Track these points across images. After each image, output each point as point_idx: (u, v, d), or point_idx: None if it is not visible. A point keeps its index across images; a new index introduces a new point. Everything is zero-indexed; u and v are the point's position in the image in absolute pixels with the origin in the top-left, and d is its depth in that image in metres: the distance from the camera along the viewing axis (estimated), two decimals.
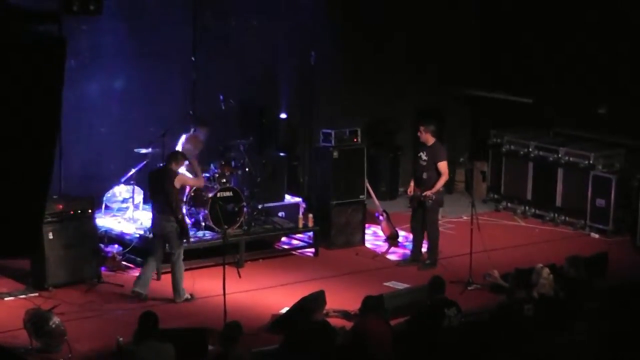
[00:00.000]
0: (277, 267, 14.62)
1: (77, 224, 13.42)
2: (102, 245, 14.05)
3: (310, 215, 15.35)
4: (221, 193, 14.40)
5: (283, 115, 17.26)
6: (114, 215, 14.97)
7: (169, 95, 15.94)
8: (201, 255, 14.13)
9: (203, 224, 14.47)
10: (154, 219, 13.19)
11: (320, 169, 15.93)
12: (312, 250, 15.33)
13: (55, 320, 11.25)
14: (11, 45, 5.81)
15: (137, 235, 14.20)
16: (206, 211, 14.31)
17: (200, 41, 16.06)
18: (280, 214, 15.66)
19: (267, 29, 16.85)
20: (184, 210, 14.58)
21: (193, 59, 16.00)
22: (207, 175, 14.70)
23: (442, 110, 18.66)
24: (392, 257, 15.32)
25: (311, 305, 12.22)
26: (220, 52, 16.41)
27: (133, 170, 14.58)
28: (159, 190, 13.03)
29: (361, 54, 18.06)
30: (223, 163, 14.77)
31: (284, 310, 12.38)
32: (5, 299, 12.92)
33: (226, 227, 13.51)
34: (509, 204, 17.94)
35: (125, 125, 15.55)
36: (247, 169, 15.03)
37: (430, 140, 14.57)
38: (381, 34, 18.22)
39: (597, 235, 16.51)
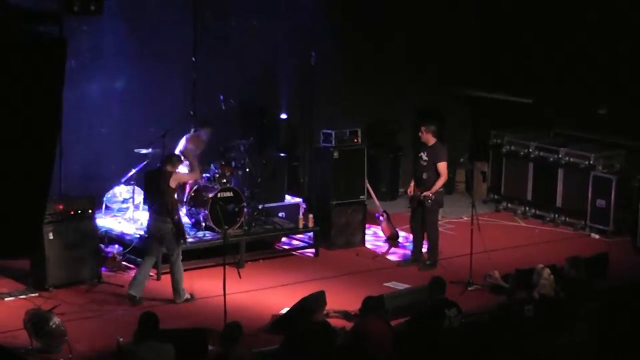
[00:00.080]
0: (278, 268, 14.62)
1: (77, 224, 13.41)
2: (102, 246, 14.05)
3: (311, 216, 15.35)
4: (221, 193, 14.40)
5: (283, 116, 17.26)
6: (114, 216, 14.97)
7: (169, 96, 15.94)
8: (201, 256, 14.13)
9: (203, 224, 14.47)
10: (150, 220, 13.16)
11: (321, 170, 15.92)
12: (313, 250, 15.33)
13: (56, 320, 11.25)
14: (11, 45, 5.80)
15: (138, 236, 14.18)
16: (206, 211, 14.31)
17: (200, 41, 16.05)
18: (280, 214, 15.66)
19: (267, 29, 16.84)
20: (184, 211, 14.61)
21: (194, 59, 15.99)
22: (208, 175, 14.71)
23: (442, 110, 18.66)
24: (392, 257, 15.32)
25: (311, 305, 12.21)
26: (220, 52, 16.40)
27: (133, 171, 14.58)
28: (154, 191, 13.01)
29: (361, 54, 18.06)
30: (223, 163, 14.77)
31: (284, 311, 12.38)
32: (6, 299, 12.92)
33: (226, 227, 13.50)
34: (509, 205, 17.93)
35: (126, 126, 15.56)
36: (247, 170, 15.02)
37: (431, 140, 14.57)
38: (381, 34, 18.22)
39: (597, 236, 16.50)
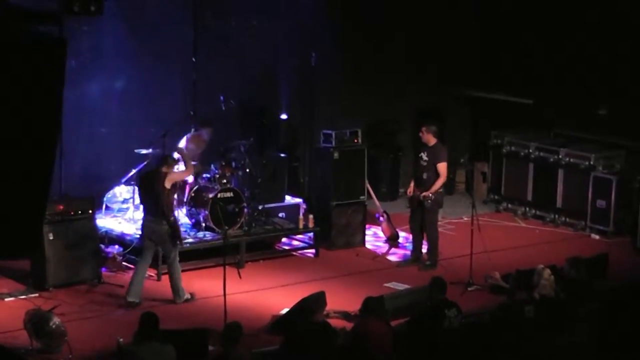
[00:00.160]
0: (278, 268, 14.61)
1: (77, 225, 13.41)
2: (102, 246, 14.04)
3: (311, 216, 15.35)
4: (222, 194, 14.40)
5: (284, 116, 17.25)
6: (115, 216, 14.97)
7: (169, 96, 15.93)
8: (202, 256, 14.13)
9: (203, 224, 14.46)
10: (144, 222, 13.10)
11: (321, 170, 15.92)
12: (313, 251, 15.33)
13: (56, 320, 11.25)
14: (11, 45, 5.80)
15: (138, 236, 14.16)
16: (207, 212, 14.30)
17: (200, 41, 16.05)
18: (280, 214, 15.66)
19: (267, 29, 16.84)
20: (185, 211, 14.61)
21: (194, 59, 15.99)
22: (208, 175, 14.71)
23: (442, 110, 18.65)
24: (392, 258, 15.31)
25: (311, 306, 12.21)
26: (220, 53, 16.40)
27: (133, 171, 14.57)
28: (149, 193, 12.94)
29: (361, 54, 18.05)
30: (223, 164, 14.77)
31: (284, 311, 12.38)
32: (6, 299, 12.91)
33: (227, 227, 13.49)
34: (509, 205, 17.92)
35: (126, 126, 15.55)
36: (247, 170, 15.02)
37: (431, 140, 14.57)
38: (381, 34, 18.21)
39: (597, 237, 16.49)
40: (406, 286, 13.68)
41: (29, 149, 5.93)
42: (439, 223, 15.38)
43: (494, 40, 18.91)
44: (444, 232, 15.81)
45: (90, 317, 12.45)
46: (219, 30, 16.39)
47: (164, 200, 12.75)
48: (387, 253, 15.52)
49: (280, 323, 12.06)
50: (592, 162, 16.67)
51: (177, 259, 13.00)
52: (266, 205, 15.29)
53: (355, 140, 15.80)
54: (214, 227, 14.30)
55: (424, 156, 14.62)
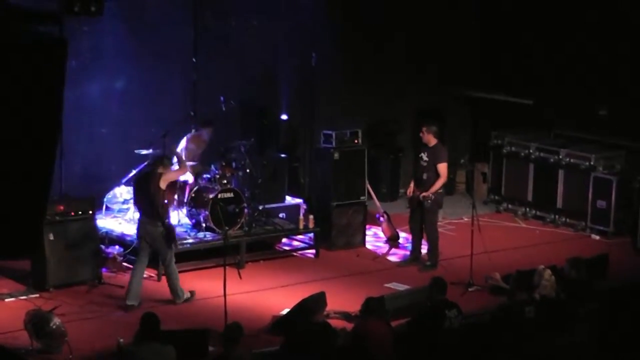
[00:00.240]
0: (278, 269, 14.61)
1: (77, 225, 13.41)
2: (102, 247, 14.04)
3: (311, 217, 15.34)
4: (222, 194, 14.39)
5: (284, 117, 17.25)
6: (115, 217, 14.96)
7: (169, 96, 15.93)
8: (202, 257, 14.13)
9: (204, 225, 14.46)
10: (139, 224, 13.05)
11: (321, 170, 15.92)
12: (313, 251, 15.32)
13: (56, 321, 11.25)
14: (11, 45, 5.80)
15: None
16: (207, 212, 14.30)
17: (200, 41, 16.05)
18: (281, 215, 15.66)
19: (267, 29, 16.84)
20: (185, 211, 14.60)
21: (194, 60, 15.99)
22: (208, 176, 14.70)
23: (442, 110, 18.64)
24: (392, 258, 15.31)
25: (312, 306, 12.21)
26: (220, 53, 16.40)
27: (134, 171, 14.56)
28: (144, 194, 12.89)
29: (361, 54, 18.05)
30: (224, 164, 14.76)
31: (284, 312, 12.38)
32: (6, 300, 12.92)
33: (227, 228, 13.49)
34: (509, 206, 17.92)
35: (126, 126, 15.55)
36: (247, 170, 15.02)
37: (432, 141, 14.56)
38: (381, 34, 18.21)
39: (597, 237, 16.49)
40: (406, 286, 13.68)
41: (29, 149, 5.92)
42: (439, 223, 15.38)
43: (494, 40, 18.91)
44: (445, 233, 15.81)
45: (91, 317, 12.44)
46: (219, 30, 16.39)
47: (159, 201, 12.72)
48: (387, 253, 15.52)
49: (280, 323, 12.06)
50: (592, 163, 16.67)
51: (173, 260, 12.98)
52: (266, 206, 15.29)
53: (356, 141, 15.80)
54: (214, 227, 14.29)
55: (424, 156, 14.62)
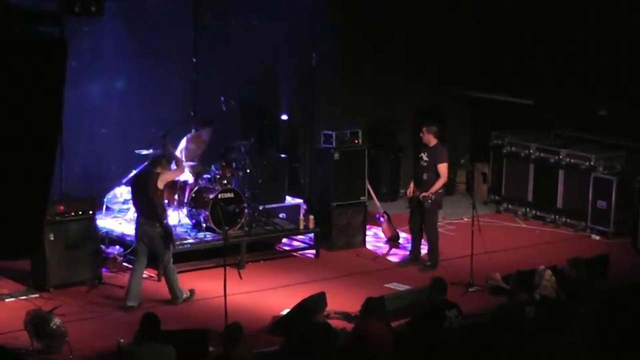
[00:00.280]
0: (278, 269, 14.61)
1: (78, 225, 13.41)
2: (103, 247, 14.04)
3: (311, 217, 15.34)
4: (222, 194, 14.39)
5: (284, 117, 17.25)
6: (115, 217, 14.96)
7: (169, 96, 15.93)
8: (202, 257, 14.14)
9: (204, 225, 14.46)
10: (137, 225, 13.04)
11: (321, 171, 15.92)
12: (313, 251, 15.32)
13: (56, 321, 11.24)
14: (11, 46, 5.80)
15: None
16: (207, 212, 14.30)
17: (200, 42, 16.04)
18: (281, 215, 15.65)
19: (267, 29, 16.83)
20: (185, 212, 14.60)
21: (194, 60, 15.98)
22: (208, 176, 14.70)
23: (442, 110, 18.64)
24: (393, 258, 15.31)
25: (312, 306, 12.21)
26: (220, 53, 16.40)
27: (134, 172, 14.56)
28: (142, 195, 12.87)
29: (361, 54, 18.05)
30: (224, 164, 14.76)
31: (284, 312, 12.37)
32: (6, 300, 12.92)
33: (227, 228, 13.48)
34: (509, 206, 17.92)
35: (126, 126, 15.54)
36: (248, 170, 15.01)
37: (432, 141, 14.56)
38: (381, 34, 18.20)
39: (598, 237, 16.48)
40: (407, 287, 13.68)
41: (30, 150, 5.92)
42: (439, 224, 15.38)
43: (494, 40, 18.90)
44: (445, 233, 15.81)
45: (91, 317, 12.45)
46: (219, 30, 16.39)
47: (157, 201, 12.71)
48: (387, 254, 15.51)
49: (280, 324, 12.06)
50: (592, 163, 16.67)
51: (172, 260, 12.96)
52: (267, 206, 15.29)
53: (356, 141, 15.80)
54: (214, 227, 14.29)
55: (424, 157, 14.61)
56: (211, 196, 14.32)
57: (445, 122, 17.76)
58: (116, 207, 15.05)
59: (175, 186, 14.55)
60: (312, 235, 15.42)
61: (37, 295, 12.99)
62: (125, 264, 14.08)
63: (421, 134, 14.70)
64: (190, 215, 14.65)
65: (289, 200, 16.09)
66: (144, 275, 13.23)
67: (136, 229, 13.07)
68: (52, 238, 13.09)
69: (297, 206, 15.95)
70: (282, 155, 16.38)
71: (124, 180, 14.89)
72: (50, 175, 6.14)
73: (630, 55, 17.11)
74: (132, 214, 14.69)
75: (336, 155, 15.54)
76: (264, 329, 12.12)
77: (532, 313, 11.19)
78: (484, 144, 18.59)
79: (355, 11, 17.74)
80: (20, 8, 6.22)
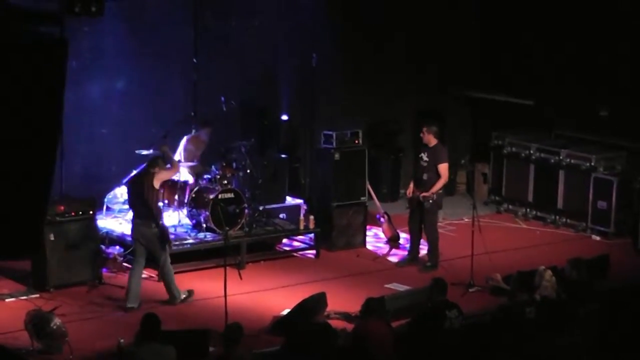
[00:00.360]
0: (278, 269, 14.60)
1: (78, 226, 13.41)
2: (103, 247, 14.04)
3: (312, 217, 15.34)
4: (222, 194, 14.39)
5: (284, 117, 17.24)
6: (115, 217, 14.95)
7: (170, 96, 15.93)
8: (202, 257, 14.13)
9: (204, 225, 14.45)
10: (133, 226, 13.01)
11: (322, 171, 15.92)
12: (313, 252, 15.32)
13: (57, 321, 11.24)
14: (12, 46, 5.80)
15: None
16: (207, 213, 14.29)
17: (200, 42, 16.04)
18: (281, 215, 15.65)
19: (267, 29, 16.83)
20: (185, 212, 14.59)
21: (194, 60, 15.98)
22: (209, 176, 14.70)
23: (443, 110, 18.62)
24: (393, 259, 15.30)
25: (312, 307, 12.21)
26: (220, 53, 16.40)
27: (134, 172, 14.54)
28: (138, 196, 12.84)
29: (361, 54, 18.04)
30: (224, 164, 14.76)
31: (285, 312, 12.37)
32: (6, 300, 12.92)
33: (227, 228, 13.48)
34: (510, 206, 17.90)
35: (126, 126, 15.54)
36: (248, 171, 15.01)
37: (432, 141, 14.55)
38: (381, 34, 18.19)
39: (598, 238, 16.47)
40: (407, 287, 13.68)
41: (30, 150, 5.93)
42: (440, 224, 15.37)
43: (494, 40, 18.89)
44: (445, 233, 15.80)
45: (91, 317, 12.45)
46: (219, 30, 16.38)
47: (152, 201, 12.69)
48: (387, 254, 15.51)
49: (281, 324, 12.06)
50: (592, 163, 16.66)
51: (169, 261, 12.94)
52: (267, 206, 15.28)
53: (356, 141, 15.79)
54: (214, 228, 14.29)
55: (425, 157, 14.61)
56: (211, 196, 14.32)
57: (445, 122, 17.75)
58: (116, 207, 15.05)
59: (176, 186, 14.55)
60: (312, 235, 15.41)
61: (37, 295, 13.00)
62: (125, 264, 14.06)
63: (421, 134, 14.69)
64: (190, 216, 14.64)
65: (289, 200, 16.08)
66: (144, 276, 13.23)
67: (132, 229, 13.06)
68: (52, 238, 13.09)
69: (298, 206, 15.94)
70: (283, 156, 16.38)
71: (125, 181, 14.87)
72: (51, 176, 6.15)
73: (630, 55, 17.10)
74: (131, 214, 14.68)
75: (336, 156, 15.54)
76: (264, 329, 12.12)
77: (533, 313, 11.18)
78: (484, 144, 18.57)
79: (355, 11, 17.73)
80: (20, 8, 6.22)
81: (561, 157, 17.08)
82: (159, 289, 13.30)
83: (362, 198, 15.81)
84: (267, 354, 11.04)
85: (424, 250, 14.98)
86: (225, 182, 14.59)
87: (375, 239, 16.13)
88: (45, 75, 5.89)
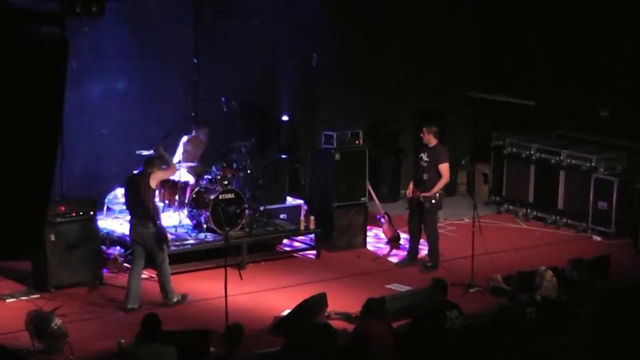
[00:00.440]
0: (279, 269, 14.60)
1: (78, 226, 13.41)
2: (103, 247, 14.04)
3: (312, 218, 15.34)
4: (223, 195, 14.39)
5: (285, 117, 17.24)
6: (116, 217, 14.94)
7: (170, 97, 15.94)
8: (203, 257, 14.13)
9: (205, 225, 14.46)
10: (131, 226, 13.00)
11: (322, 171, 15.92)
12: (314, 252, 15.31)
13: (57, 322, 11.25)
14: (12, 46, 5.80)
15: None
16: (208, 213, 14.30)
17: (201, 42, 16.04)
18: (282, 216, 15.65)
19: (267, 29, 16.84)
20: (186, 212, 14.59)
21: (195, 60, 15.98)
22: (209, 177, 14.70)
23: (443, 111, 18.63)
24: (393, 259, 15.29)
25: (313, 307, 12.21)
26: (221, 53, 16.40)
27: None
28: (135, 196, 12.83)
29: (361, 54, 18.04)
30: (225, 165, 14.76)
31: (285, 313, 12.37)
32: (7, 300, 12.92)
33: (228, 229, 13.48)
34: (510, 207, 17.90)
35: (127, 127, 15.55)
36: (248, 171, 15.01)
37: (432, 141, 14.55)
38: (381, 34, 18.19)
39: (599, 238, 16.47)
40: (407, 287, 13.68)
41: (31, 150, 5.92)
42: (440, 224, 15.37)
43: (494, 40, 18.89)
44: (445, 234, 15.80)
45: (92, 318, 12.45)
46: (220, 30, 16.39)
47: (149, 200, 12.68)
48: (388, 254, 15.51)
49: (281, 324, 12.06)
50: (593, 164, 16.66)
51: (167, 261, 12.93)
52: (267, 207, 15.28)
53: (357, 142, 15.79)
54: (215, 228, 14.29)
55: (425, 157, 14.60)
56: (212, 197, 14.32)
57: (445, 122, 17.75)
58: (117, 207, 15.04)
59: (176, 187, 14.56)
60: (312, 236, 15.41)
61: (38, 295, 13.00)
62: (126, 264, 14.05)
63: (421, 134, 14.69)
64: (191, 216, 14.65)
65: (290, 201, 16.08)
66: (144, 276, 13.22)
67: (130, 231, 13.05)
68: (52, 239, 13.09)
69: (298, 207, 15.94)
70: (283, 156, 16.38)
71: None
72: (51, 176, 6.15)
73: (630, 55, 17.10)
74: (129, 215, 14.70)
75: (337, 156, 15.53)
76: (264, 329, 12.11)
77: (533, 314, 11.19)
78: (484, 144, 18.57)
79: (355, 11, 17.73)
80: (21, 8, 6.22)
81: (562, 158, 17.08)
82: (159, 289, 13.29)
83: (363, 198, 15.81)
84: (268, 355, 11.04)
85: (424, 250, 14.98)
86: (226, 182, 14.60)
87: (375, 239, 16.14)
88: (45, 76, 5.89)
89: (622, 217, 16.36)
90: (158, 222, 12.81)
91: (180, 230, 14.52)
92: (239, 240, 14.44)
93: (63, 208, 13.25)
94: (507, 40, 18.64)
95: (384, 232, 15.97)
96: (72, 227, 13.35)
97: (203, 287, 13.42)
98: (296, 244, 15.68)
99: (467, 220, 15.94)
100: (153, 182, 12.76)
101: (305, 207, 15.93)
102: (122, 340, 10.79)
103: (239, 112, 16.33)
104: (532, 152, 17.48)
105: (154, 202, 12.85)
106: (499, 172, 18.17)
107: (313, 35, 17.02)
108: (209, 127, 15.08)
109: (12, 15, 6.11)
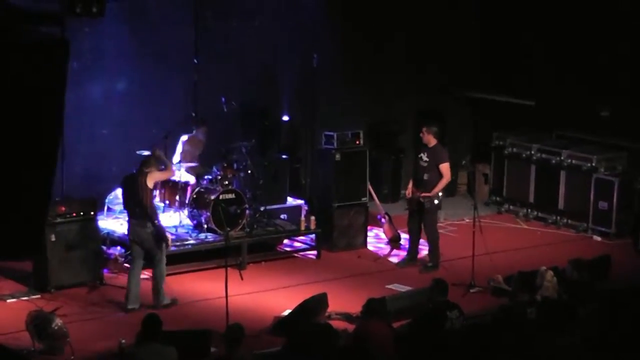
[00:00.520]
0: (279, 270, 14.60)
1: (79, 226, 13.41)
2: (104, 247, 14.04)
3: (313, 218, 15.34)
4: (223, 195, 14.39)
5: (285, 118, 17.24)
6: (116, 217, 14.92)
7: (170, 97, 15.94)
8: (203, 258, 14.13)
9: (205, 226, 14.46)
10: (129, 227, 12.98)
11: (323, 171, 15.91)
12: (314, 252, 15.31)
13: (58, 322, 11.25)
14: (12, 46, 5.80)
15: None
16: (208, 213, 14.30)
17: (201, 42, 16.04)
18: (282, 216, 15.64)
19: (267, 29, 16.83)
20: (186, 213, 14.59)
21: (195, 60, 15.98)
22: (210, 177, 14.71)
23: (443, 111, 18.63)
24: (394, 259, 15.29)
25: (313, 307, 12.21)
26: (221, 53, 16.39)
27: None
28: (133, 196, 12.81)
29: (361, 54, 18.04)
30: (225, 165, 14.76)
31: (286, 313, 12.37)
32: (8, 300, 12.93)
33: (228, 229, 13.48)
34: (511, 207, 17.90)
35: (127, 127, 15.55)
36: (249, 171, 15.01)
37: (432, 141, 14.55)
38: (381, 34, 18.19)
39: (599, 238, 16.46)
40: (408, 288, 13.68)
41: (31, 151, 5.92)
42: (440, 224, 15.37)
43: (494, 40, 18.88)
44: (446, 234, 15.80)
45: (92, 318, 12.45)
46: (220, 30, 16.38)
47: (147, 200, 12.67)
48: (388, 255, 15.51)
49: (282, 324, 12.06)
50: (594, 164, 16.66)
51: (164, 261, 12.91)
52: (268, 207, 15.28)
53: (357, 142, 15.79)
54: (215, 228, 14.29)
55: (424, 157, 14.60)
56: (212, 197, 14.32)
57: (445, 122, 17.76)
58: (117, 207, 15.02)
59: (177, 187, 14.56)
60: (313, 236, 15.41)
61: (38, 296, 13.00)
62: (126, 264, 14.05)
63: (421, 134, 14.69)
64: (191, 216, 14.65)
65: (290, 201, 16.08)
66: (144, 277, 13.22)
67: (128, 231, 13.04)
68: (53, 239, 13.09)
69: (299, 207, 15.93)
70: (283, 156, 16.38)
71: None
72: (52, 176, 6.15)
73: (630, 55, 17.10)
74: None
75: (337, 156, 15.53)
76: (265, 329, 12.11)
77: (534, 314, 11.18)
78: (485, 144, 18.57)
79: (355, 11, 17.73)
80: (21, 8, 6.22)
81: (562, 158, 17.08)
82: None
83: (363, 199, 15.81)
84: (268, 355, 11.04)
85: (424, 250, 14.98)
86: (226, 182, 14.60)
87: (376, 239, 16.13)
88: (46, 76, 5.88)
89: (623, 217, 16.36)
90: (157, 221, 12.80)
91: (181, 231, 14.52)
92: (240, 240, 14.44)
93: (63, 208, 13.25)
94: (507, 40, 18.64)
95: (384, 232, 15.97)
96: (73, 227, 13.35)
97: (203, 288, 13.42)
98: (297, 244, 15.68)
99: (467, 220, 15.93)
100: (150, 182, 12.74)
101: (306, 208, 15.93)
102: (123, 341, 10.79)
103: (239, 112, 16.32)
104: (532, 152, 17.48)
105: (151, 202, 12.83)
106: (499, 172, 18.17)
107: (313, 35, 17.02)
108: (206, 126, 15.08)
109: (12, 15, 6.10)
